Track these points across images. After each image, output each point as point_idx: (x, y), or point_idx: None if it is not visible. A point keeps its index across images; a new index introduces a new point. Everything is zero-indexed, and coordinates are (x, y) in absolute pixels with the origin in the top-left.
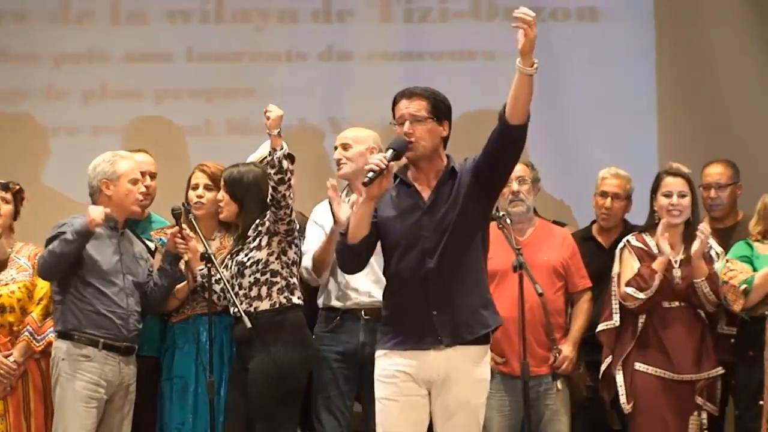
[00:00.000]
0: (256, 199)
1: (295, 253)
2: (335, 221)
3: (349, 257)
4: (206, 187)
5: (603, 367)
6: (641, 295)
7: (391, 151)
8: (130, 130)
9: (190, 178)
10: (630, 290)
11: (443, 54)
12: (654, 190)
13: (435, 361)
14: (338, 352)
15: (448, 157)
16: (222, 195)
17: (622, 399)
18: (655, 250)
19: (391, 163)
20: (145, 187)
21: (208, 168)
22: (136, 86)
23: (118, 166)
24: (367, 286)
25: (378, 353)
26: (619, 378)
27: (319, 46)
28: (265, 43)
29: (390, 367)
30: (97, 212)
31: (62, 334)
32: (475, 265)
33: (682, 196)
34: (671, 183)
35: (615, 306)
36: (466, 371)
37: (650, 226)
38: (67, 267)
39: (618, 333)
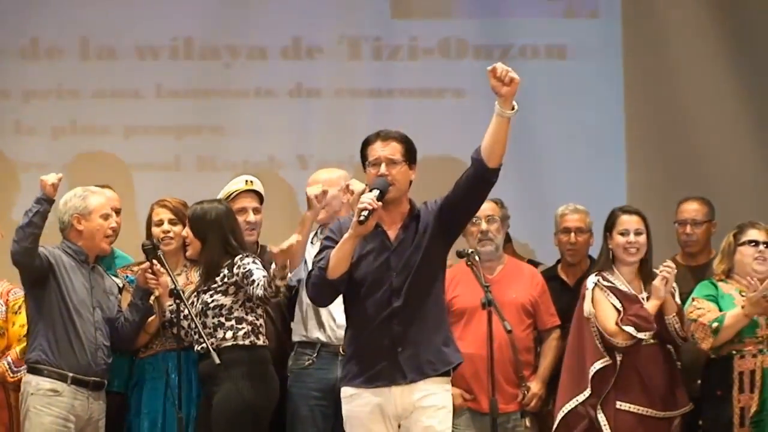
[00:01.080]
0: (218, 236)
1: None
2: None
3: (326, 291)
4: (171, 222)
5: (564, 411)
6: (641, 335)
7: (377, 191)
8: (95, 164)
9: (150, 214)
10: (629, 329)
11: (412, 92)
12: (609, 228)
13: (401, 396)
14: (316, 388)
15: (410, 200)
16: (187, 232)
17: None
18: (623, 288)
19: (379, 202)
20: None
21: (169, 203)
22: (102, 124)
23: (89, 201)
24: (342, 319)
25: (346, 391)
26: (601, 417)
27: (288, 83)
28: (234, 80)
29: (361, 408)
30: (49, 176)
31: (32, 369)
32: (438, 304)
33: (638, 233)
34: (627, 221)
35: (599, 344)
36: (431, 401)
37: (607, 265)
38: (35, 245)
39: (598, 372)
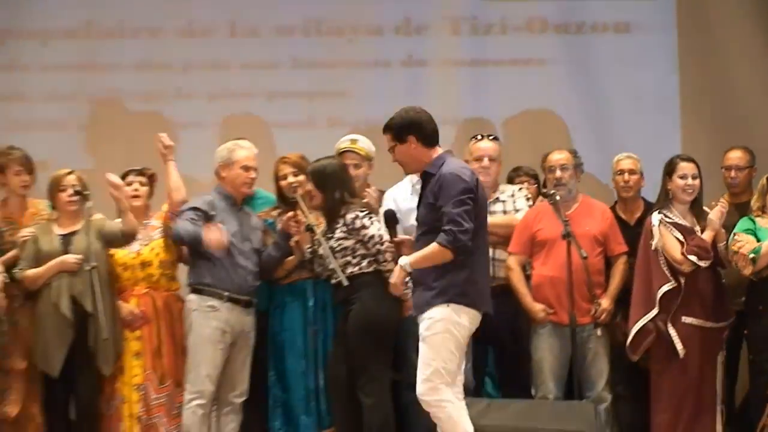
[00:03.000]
0: (335, 187)
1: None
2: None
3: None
4: (294, 174)
5: (637, 327)
6: (702, 263)
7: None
8: (243, 124)
9: (276, 170)
10: (693, 258)
11: (503, 61)
12: (669, 173)
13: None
14: None
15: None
16: (310, 186)
17: (679, 346)
18: (682, 222)
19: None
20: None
21: (289, 159)
22: (250, 89)
23: (234, 154)
24: None
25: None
26: (672, 330)
27: (400, 55)
28: (355, 53)
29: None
30: (215, 239)
31: (194, 289)
32: None
33: (694, 177)
34: (685, 167)
35: (666, 271)
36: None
37: (665, 204)
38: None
39: (665, 293)
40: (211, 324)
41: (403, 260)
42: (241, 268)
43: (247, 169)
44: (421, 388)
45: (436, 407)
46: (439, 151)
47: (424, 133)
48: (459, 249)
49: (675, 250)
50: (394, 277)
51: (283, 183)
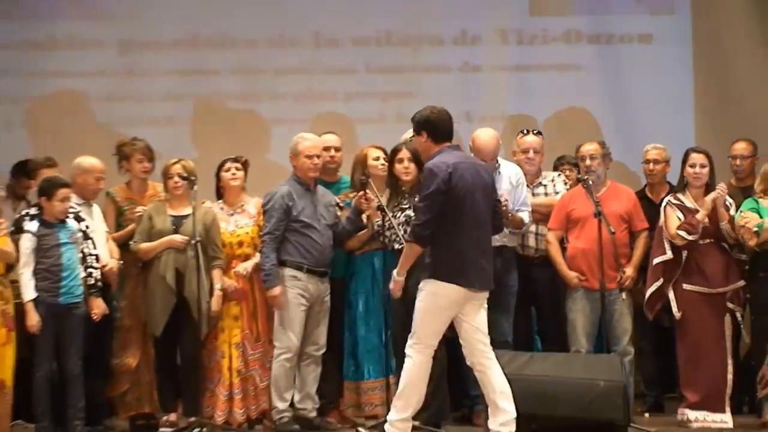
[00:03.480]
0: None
1: None
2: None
3: None
4: (376, 159)
5: (649, 291)
6: (689, 237)
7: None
8: (327, 120)
9: (365, 154)
10: (682, 233)
11: (544, 67)
12: (683, 162)
13: None
14: None
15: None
16: (408, 164)
17: (675, 309)
18: (688, 204)
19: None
20: (330, 157)
21: (378, 146)
22: (329, 91)
23: (298, 145)
24: None
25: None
26: (671, 295)
27: (458, 62)
28: (419, 60)
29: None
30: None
31: (280, 263)
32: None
33: (702, 167)
34: (695, 157)
35: (666, 245)
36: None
37: (681, 188)
38: None
39: (668, 264)
40: (294, 291)
41: (394, 274)
42: (318, 244)
43: (310, 157)
44: (408, 343)
45: (407, 359)
46: (444, 146)
47: (435, 131)
48: (419, 240)
49: (672, 227)
50: (393, 291)
51: (373, 163)
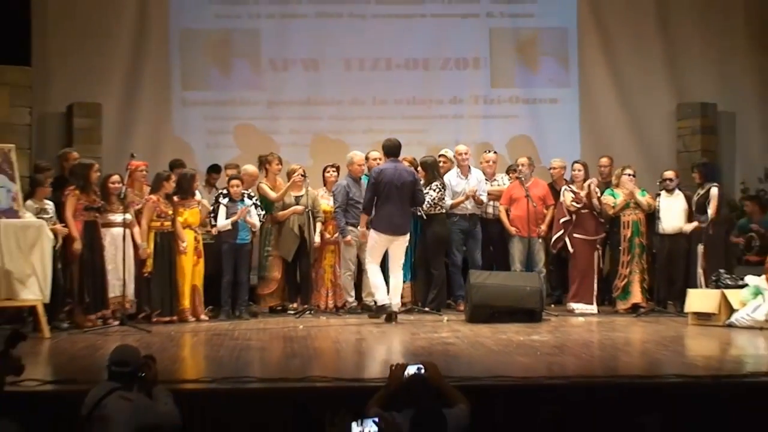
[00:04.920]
0: (435, 169)
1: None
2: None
3: None
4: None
5: (554, 237)
6: (577, 206)
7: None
8: (332, 143)
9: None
10: (574, 204)
11: (499, 115)
12: (572, 168)
13: None
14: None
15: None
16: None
17: (570, 247)
18: (576, 189)
19: None
20: (369, 165)
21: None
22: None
23: (349, 158)
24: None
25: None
26: (567, 240)
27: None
28: (434, 90)
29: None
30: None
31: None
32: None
33: (580, 171)
34: (577, 166)
35: (566, 212)
36: None
37: (570, 182)
38: None
39: (566, 222)
40: (350, 236)
41: (358, 232)
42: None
43: (355, 164)
44: (366, 261)
45: (367, 270)
46: (388, 159)
47: (385, 151)
48: (365, 210)
49: (568, 201)
50: (360, 237)
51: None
